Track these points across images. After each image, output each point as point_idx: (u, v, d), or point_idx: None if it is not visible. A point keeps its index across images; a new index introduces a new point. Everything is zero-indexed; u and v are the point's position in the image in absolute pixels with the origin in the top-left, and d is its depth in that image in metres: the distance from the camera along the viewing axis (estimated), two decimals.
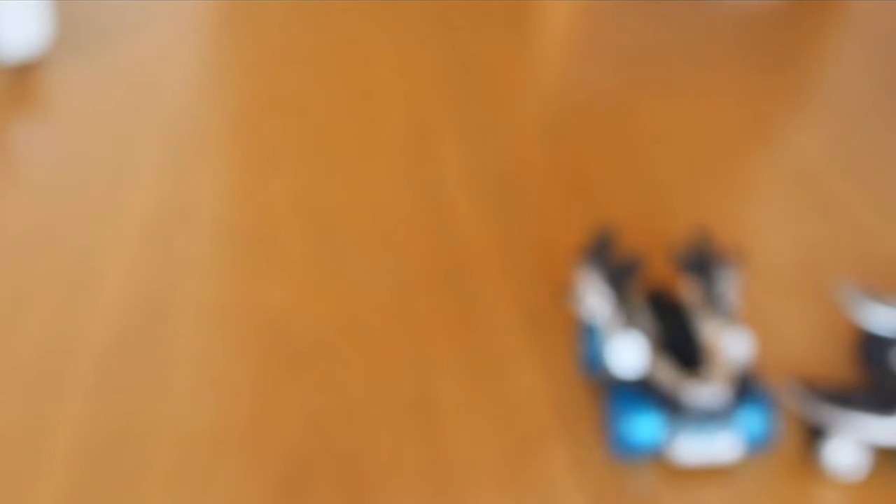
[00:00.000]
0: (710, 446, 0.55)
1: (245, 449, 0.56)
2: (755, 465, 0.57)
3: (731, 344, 0.57)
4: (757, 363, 0.61)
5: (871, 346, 0.62)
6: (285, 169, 0.79)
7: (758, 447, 0.56)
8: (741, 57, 0.97)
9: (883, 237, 0.74)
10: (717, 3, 1.07)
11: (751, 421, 0.55)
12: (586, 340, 0.61)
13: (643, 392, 0.56)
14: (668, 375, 0.56)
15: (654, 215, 0.75)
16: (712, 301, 0.60)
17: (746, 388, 0.56)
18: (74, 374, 0.60)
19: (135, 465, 0.55)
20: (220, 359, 0.62)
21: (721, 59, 0.97)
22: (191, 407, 0.59)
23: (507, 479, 0.55)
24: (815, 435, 0.57)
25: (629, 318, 0.58)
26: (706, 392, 0.55)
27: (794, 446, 0.58)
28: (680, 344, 0.59)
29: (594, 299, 0.60)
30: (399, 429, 0.58)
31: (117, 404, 0.59)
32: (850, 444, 0.56)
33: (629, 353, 0.56)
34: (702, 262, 0.63)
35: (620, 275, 0.61)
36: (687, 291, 0.62)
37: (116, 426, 0.57)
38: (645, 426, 0.55)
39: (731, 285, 0.62)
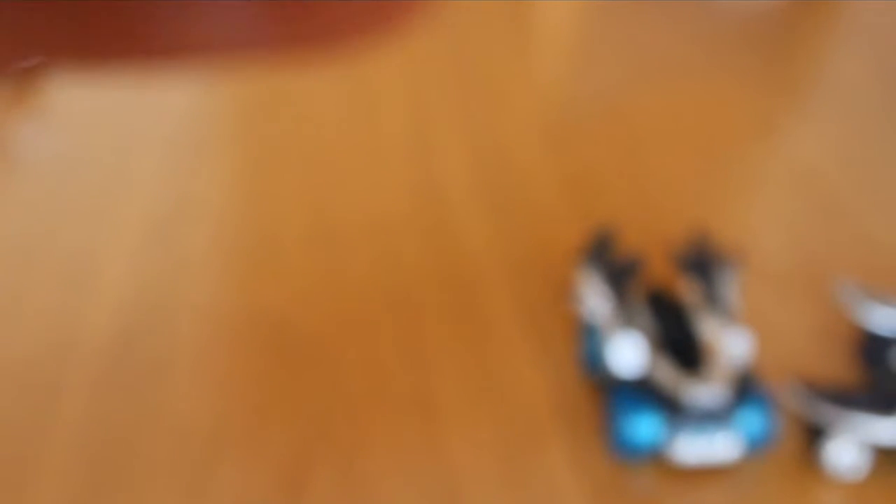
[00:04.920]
0: (709, 446, 0.55)
1: (245, 448, 0.56)
2: (755, 465, 0.57)
3: (730, 344, 0.57)
4: (757, 363, 0.61)
5: (871, 345, 0.62)
6: (286, 169, 0.79)
7: (758, 447, 0.56)
8: (743, 57, 0.97)
9: (884, 237, 0.74)
10: (719, 4, 1.07)
11: (751, 421, 0.55)
12: (586, 340, 0.61)
13: (643, 392, 0.56)
14: (667, 375, 0.56)
15: (654, 215, 0.75)
16: (712, 301, 0.60)
17: (746, 388, 0.56)
18: (74, 374, 0.60)
19: (134, 465, 0.55)
20: (219, 358, 0.62)
21: (722, 58, 0.97)
22: (191, 406, 0.58)
23: (506, 479, 0.55)
24: (815, 435, 0.57)
25: (629, 318, 0.58)
26: (706, 392, 0.55)
27: (794, 446, 0.58)
28: (680, 344, 0.59)
29: (594, 299, 0.60)
30: (399, 429, 0.58)
31: (117, 403, 0.58)
32: (851, 444, 0.56)
33: (629, 353, 0.56)
34: (702, 261, 0.63)
35: (620, 275, 0.61)
36: (687, 291, 0.62)
37: (116, 425, 0.57)
38: (644, 426, 0.55)
39: (730, 285, 0.62)
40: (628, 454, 0.56)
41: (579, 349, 0.62)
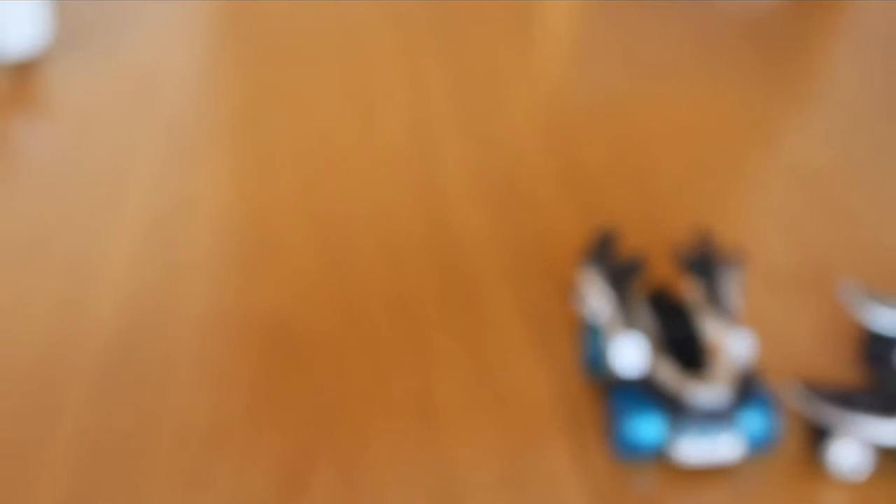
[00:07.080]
0: (712, 447, 0.55)
1: (245, 447, 0.56)
2: (758, 465, 0.57)
3: (733, 344, 0.57)
4: (759, 363, 0.61)
5: (874, 346, 0.62)
6: (286, 168, 0.79)
7: (760, 448, 0.56)
8: (743, 57, 0.97)
9: (886, 237, 0.74)
10: (720, 4, 1.06)
11: (753, 421, 0.55)
12: (588, 340, 0.60)
13: (645, 392, 0.56)
14: (670, 376, 0.56)
15: (656, 215, 0.75)
16: (714, 301, 0.60)
17: (749, 389, 0.56)
18: (74, 373, 0.60)
19: (135, 465, 0.55)
20: (220, 357, 0.62)
21: (723, 59, 0.96)
22: (191, 405, 0.58)
23: (507, 479, 0.55)
24: (818, 435, 0.57)
25: (631, 318, 0.58)
26: (708, 392, 0.55)
27: (796, 447, 0.58)
28: (682, 344, 0.58)
29: (596, 299, 0.60)
30: (400, 428, 0.58)
31: (117, 403, 0.58)
32: (854, 444, 0.56)
33: (631, 353, 0.56)
34: (704, 262, 0.62)
35: (622, 275, 0.61)
36: (689, 291, 0.62)
37: (116, 425, 0.57)
38: (647, 426, 0.55)
39: (733, 285, 0.61)
40: (630, 454, 0.56)
41: (581, 349, 0.62)
